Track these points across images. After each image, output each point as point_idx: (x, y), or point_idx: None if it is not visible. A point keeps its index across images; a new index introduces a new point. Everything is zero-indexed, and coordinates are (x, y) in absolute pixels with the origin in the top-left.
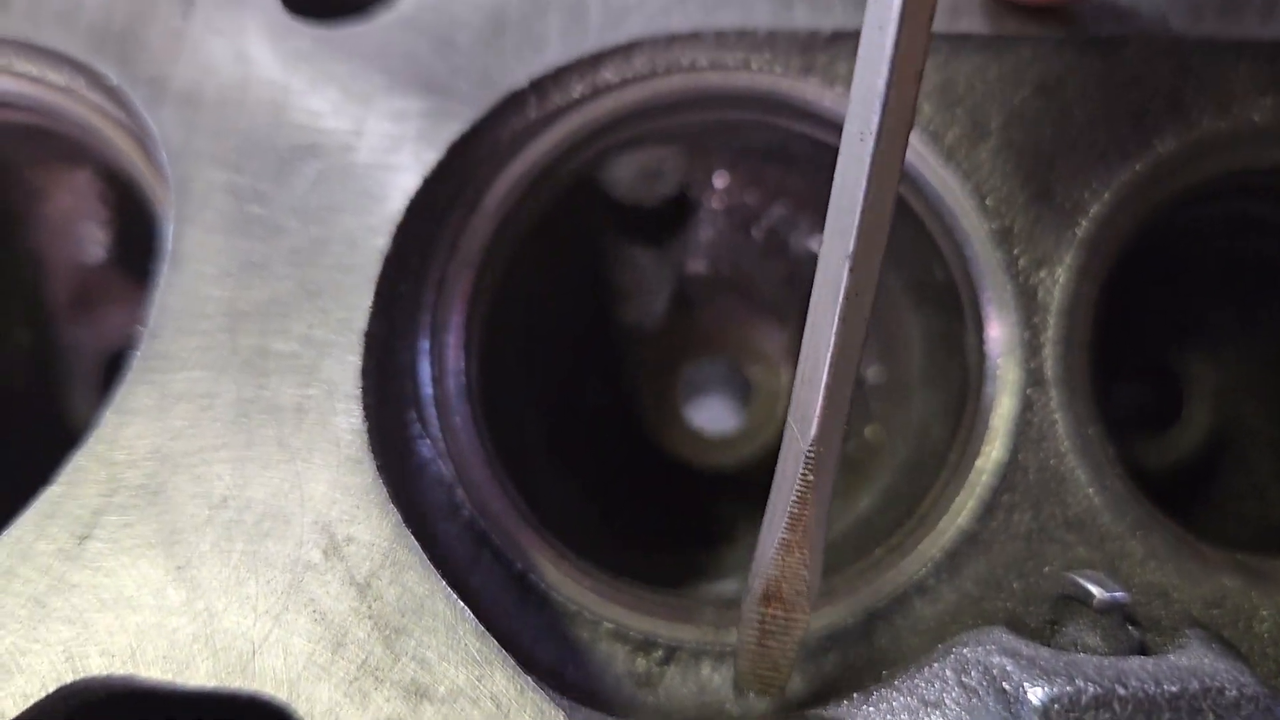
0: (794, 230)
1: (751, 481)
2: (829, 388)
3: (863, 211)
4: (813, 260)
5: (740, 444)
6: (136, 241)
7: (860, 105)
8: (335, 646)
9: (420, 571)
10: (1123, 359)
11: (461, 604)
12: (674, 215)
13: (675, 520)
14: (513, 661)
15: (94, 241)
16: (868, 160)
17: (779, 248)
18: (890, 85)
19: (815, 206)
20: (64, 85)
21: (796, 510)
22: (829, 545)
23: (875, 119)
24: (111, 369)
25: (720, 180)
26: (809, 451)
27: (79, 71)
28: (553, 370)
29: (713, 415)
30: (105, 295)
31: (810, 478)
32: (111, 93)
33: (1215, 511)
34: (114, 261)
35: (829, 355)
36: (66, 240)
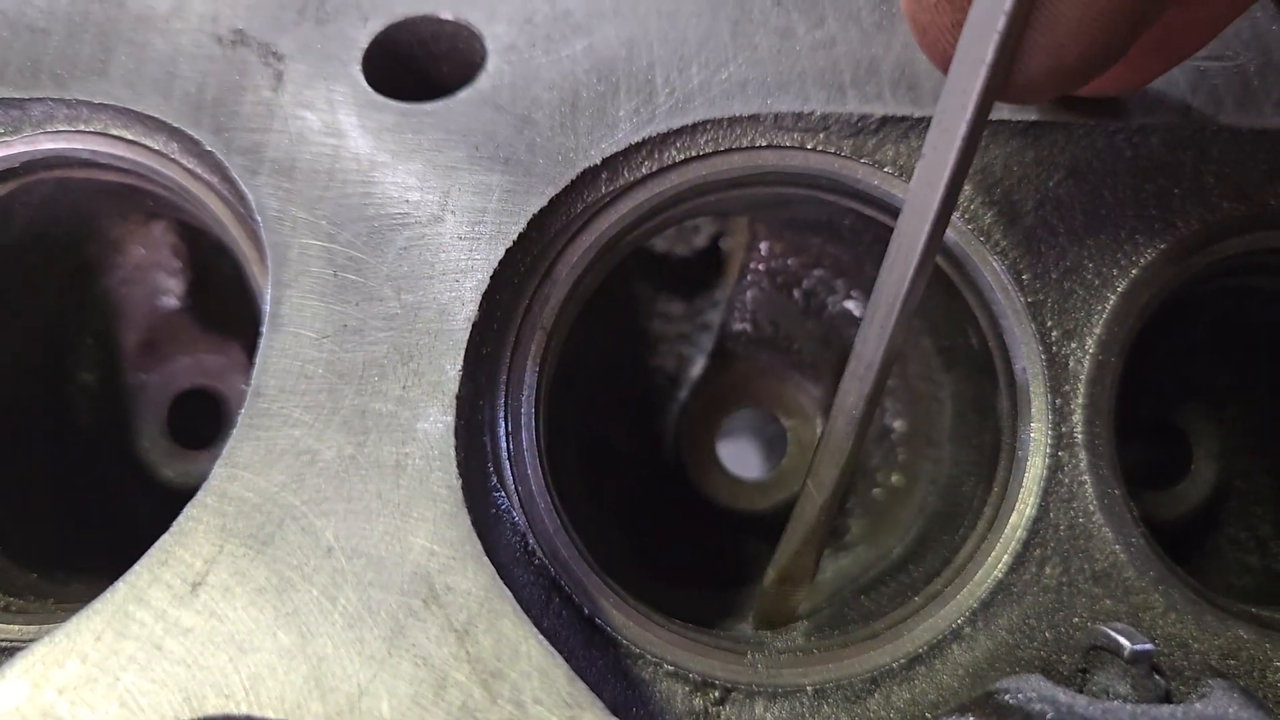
0: (832, 294)
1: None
2: (843, 469)
3: (879, 369)
4: (847, 321)
5: (773, 489)
6: (206, 292)
7: (891, 276)
8: (437, 689)
9: (514, 619)
10: (1135, 417)
11: (553, 650)
12: (707, 265)
13: (708, 560)
14: (601, 704)
15: (164, 291)
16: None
17: (817, 310)
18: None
19: (854, 274)
20: (158, 149)
21: (809, 536)
22: (866, 589)
23: (904, 289)
24: (175, 409)
25: (766, 246)
26: (823, 506)
27: (173, 137)
28: (597, 416)
29: (748, 462)
30: (173, 341)
31: (822, 518)
32: (204, 158)
33: (1219, 561)
34: (183, 310)
35: (848, 448)
36: (138, 289)
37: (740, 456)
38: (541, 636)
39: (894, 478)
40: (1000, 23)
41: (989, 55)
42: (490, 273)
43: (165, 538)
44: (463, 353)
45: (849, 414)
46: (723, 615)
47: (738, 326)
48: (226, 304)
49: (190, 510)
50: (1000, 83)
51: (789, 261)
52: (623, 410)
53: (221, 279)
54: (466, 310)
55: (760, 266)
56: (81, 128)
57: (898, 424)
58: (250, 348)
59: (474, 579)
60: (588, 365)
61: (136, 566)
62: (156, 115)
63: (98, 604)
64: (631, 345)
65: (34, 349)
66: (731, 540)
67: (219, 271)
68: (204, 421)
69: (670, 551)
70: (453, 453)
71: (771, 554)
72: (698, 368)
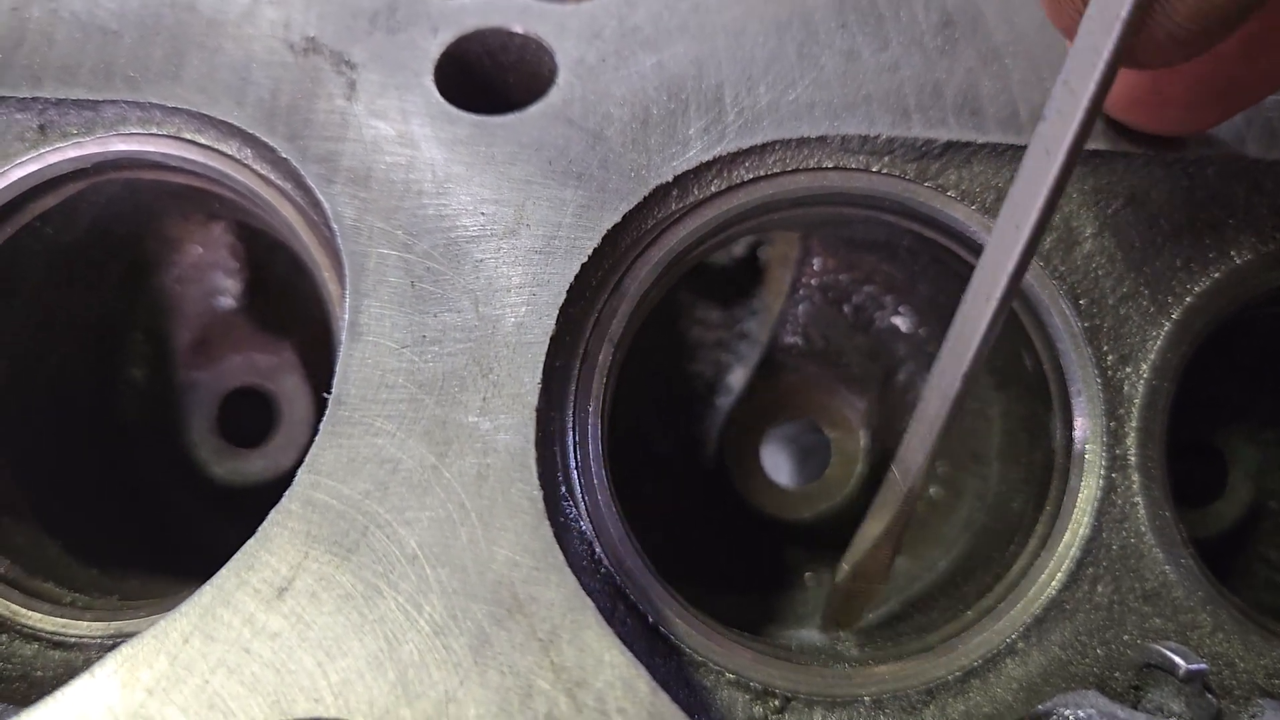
0: (880, 310)
1: (825, 532)
2: (930, 455)
3: (977, 348)
4: (894, 336)
5: (816, 499)
6: (261, 292)
7: (986, 279)
8: (523, 697)
9: (597, 629)
10: (1175, 436)
11: (636, 660)
12: (745, 274)
13: (750, 566)
14: (684, 715)
15: (220, 290)
16: (987, 317)
17: (865, 324)
18: (1013, 277)
19: (904, 290)
20: (231, 155)
21: (891, 527)
22: (915, 602)
23: (999, 291)
24: (225, 407)
25: (819, 262)
26: (908, 493)
27: (247, 143)
28: (640, 420)
29: (792, 471)
30: (225, 340)
31: (906, 508)
32: (278, 165)
33: (1250, 579)
34: (237, 310)
35: (934, 435)
36: (194, 287)
37: (784, 466)
38: (624, 646)
39: (932, 490)
40: None
41: (1125, 10)
42: (566, 287)
43: (250, 543)
44: (541, 366)
45: (944, 393)
46: (765, 621)
47: (789, 339)
48: (280, 305)
49: (275, 516)
50: (1130, 43)
51: (840, 277)
52: (665, 415)
53: (277, 280)
54: (544, 324)
55: (813, 281)
56: (154, 130)
57: None
58: (303, 348)
59: (557, 589)
60: (632, 369)
61: (223, 570)
62: (231, 121)
63: (185, 606)
64: (671, 351)
65: (86, 345)
66: (773, 548)
67: (274, 272)
68: (254, 420)
69: (712, 557)
70: (533, 464)
71: (812, 560)
72: (737, 376)
